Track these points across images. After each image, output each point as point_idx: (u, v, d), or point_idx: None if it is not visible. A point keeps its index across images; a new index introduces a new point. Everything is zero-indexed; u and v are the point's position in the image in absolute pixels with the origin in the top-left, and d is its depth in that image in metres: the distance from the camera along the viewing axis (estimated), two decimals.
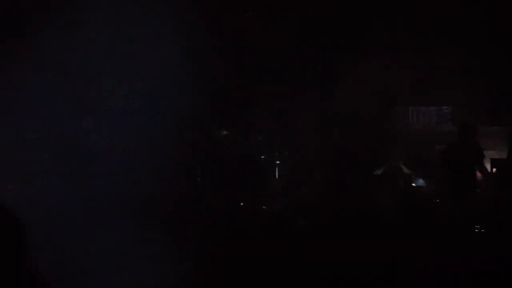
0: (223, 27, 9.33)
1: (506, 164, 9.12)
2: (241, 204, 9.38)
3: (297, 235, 8.43)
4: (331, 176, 9.75)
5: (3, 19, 8.17)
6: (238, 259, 7.61)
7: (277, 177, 9.98)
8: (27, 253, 2.06)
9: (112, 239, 6.96)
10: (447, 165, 8.94)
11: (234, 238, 8.14)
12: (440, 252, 7.98)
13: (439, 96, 10.53)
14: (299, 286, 7.42)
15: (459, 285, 7.28)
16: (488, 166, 9.53)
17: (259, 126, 10.17)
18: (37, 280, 2.04)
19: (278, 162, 9.97)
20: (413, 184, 10.01)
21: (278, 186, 9.86)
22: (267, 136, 10.13)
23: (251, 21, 10.05)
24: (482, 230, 8.80)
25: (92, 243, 6.89)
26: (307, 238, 8.35)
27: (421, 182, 10.00)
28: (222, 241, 7.95)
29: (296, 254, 7.89)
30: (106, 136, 8.27)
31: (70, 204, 7.30)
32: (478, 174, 9.40)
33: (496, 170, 9.39)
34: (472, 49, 9.94)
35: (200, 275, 6.95)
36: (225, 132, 9.90)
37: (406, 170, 9.96)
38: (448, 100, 10.66)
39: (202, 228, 8.10)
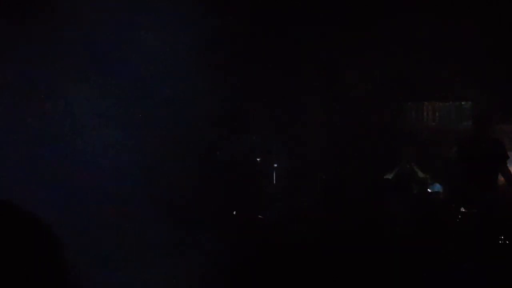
0: (217, 21, 8.95)
1: None
2: (234, 212, 9.10)
3: (297, 247, 8.05)
4: (335, 181, 9.41)
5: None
6: (230, 273, 7.44)
7: (274, 181, 9.58)
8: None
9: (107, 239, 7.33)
10: (462, 163, 8.27)
11: (227, 249, 7.84)
12: (458, 265, 7.76)
13: (457, 91, 10.04)
14: None
15: None
16: None
17: (254, 124, 9.78)
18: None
19: (275, 165, 9.52)
20: (429, 190, 9.52)
21: (275, 191, 9.50)
22: (263, 135, 9.74)
23: (246, 15, 9.61)
24: (507, 242, 8.29)
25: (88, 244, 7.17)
26: (309, 250, 7.98)
27: (437, 187, 9.53)
28: (214, 253, 7.67)
29: (296, 267, 7.68)
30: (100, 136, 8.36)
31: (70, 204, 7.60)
32: (500, 178, 8.74)
33: None
34: (494, 37, 9.52)
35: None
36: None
37: (420, 174, 9.51)
38: (468, 95, 10.20)
39: (191, 237, 7.90)
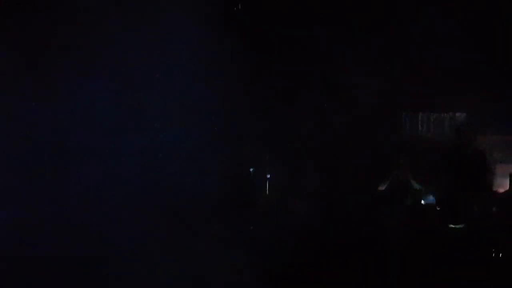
0: (209, 23, 9.11)
1: None
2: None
3: (290, 261, 8.10)
4: (327, 192, 9.41)
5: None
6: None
7: (267, 192, 9.69)
8: None
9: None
10: (447, 175, 8.35)
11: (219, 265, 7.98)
12: (454, 281, 7.83)
13: (452, 101, 10.13)
14: None
15: None
16: (507, 182, 9.20)
17: (247, 133, 9.71)
18: None
19: (268, 176, 9.61)
20: (423, 202, 9.53)
21: (268, 203, 9.53)
22: (256, 145, 9.67)
23: (239, 16, 9.83)
24: (500, 254, 8.51)
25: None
26: (301, 265, 8.04)
27: (432, 199, 9.50)
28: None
29: (290, 283, 7.79)
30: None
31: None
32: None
33: None
34: (490, 47, 9.61)
35: None
36: None
37: (415, 185, 9.49)
38: (463, 106, 10.22)
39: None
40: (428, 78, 9.78)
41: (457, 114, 10.10)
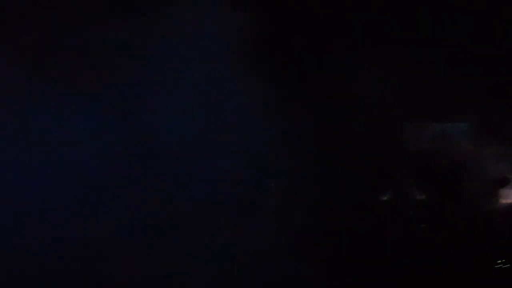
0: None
1: None
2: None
3: (290, 273, 8.37)
4: (328, 204, 9.32)
5: None
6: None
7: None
8: None
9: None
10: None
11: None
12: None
13: (456, 111, 10.06)
14: None
15: None
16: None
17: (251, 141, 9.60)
18: None
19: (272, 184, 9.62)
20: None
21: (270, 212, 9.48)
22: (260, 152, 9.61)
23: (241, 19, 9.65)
24: (508, 266, 8.79)
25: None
26: (301, 278, 8.30)
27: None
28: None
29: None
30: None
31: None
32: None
33: None
34: (495, 54, 9.64)
35: None
36: None
37: (417, 195, 9.54)
38: (468, 116, 10.15)
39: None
40: (432, 88, 9.81)
41: (461, 124, 10.10)
